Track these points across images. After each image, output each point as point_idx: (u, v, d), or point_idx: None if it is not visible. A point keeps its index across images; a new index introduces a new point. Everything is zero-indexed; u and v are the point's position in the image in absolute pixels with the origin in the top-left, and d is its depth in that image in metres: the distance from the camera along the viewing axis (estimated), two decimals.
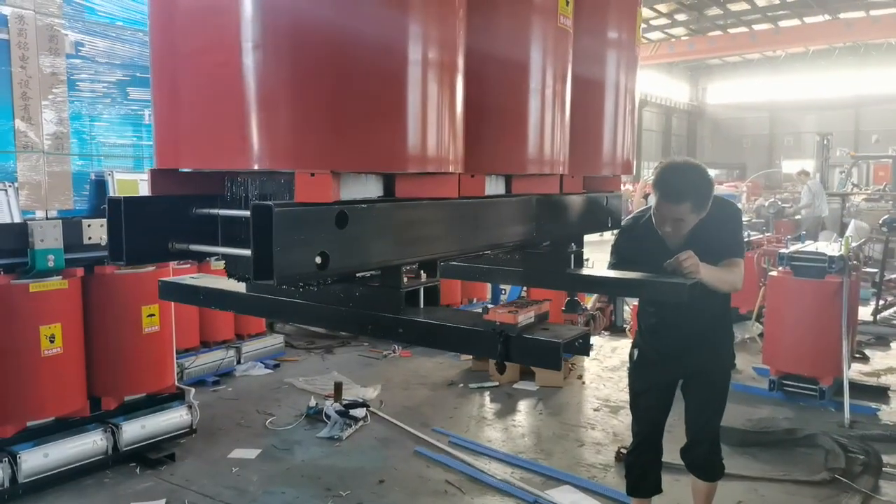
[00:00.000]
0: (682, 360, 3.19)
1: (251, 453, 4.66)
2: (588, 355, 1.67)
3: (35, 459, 4.00)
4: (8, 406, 4.06)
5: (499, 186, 2.11)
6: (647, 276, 2.46)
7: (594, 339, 7.69)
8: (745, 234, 8.29)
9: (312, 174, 1.39)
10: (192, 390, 4.98)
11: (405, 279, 1.73)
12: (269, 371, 6.74)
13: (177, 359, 6.13)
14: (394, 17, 1.47)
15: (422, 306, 1.82)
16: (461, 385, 6.28)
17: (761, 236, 9.34)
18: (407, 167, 1.58)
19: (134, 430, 4.46)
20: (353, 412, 5.19)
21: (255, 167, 1.41)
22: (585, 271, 2.57)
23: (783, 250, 6.03)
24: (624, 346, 7.38)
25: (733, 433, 4.77)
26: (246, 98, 1.39)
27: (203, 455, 4.65)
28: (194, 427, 4.81)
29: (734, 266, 2.93)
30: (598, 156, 2.51)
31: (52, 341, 4.03)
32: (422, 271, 1.82)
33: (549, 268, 2.56)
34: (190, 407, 4.81)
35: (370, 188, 1.65)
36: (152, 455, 4.48)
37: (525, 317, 1.56)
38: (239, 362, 6.68)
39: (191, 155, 1.55)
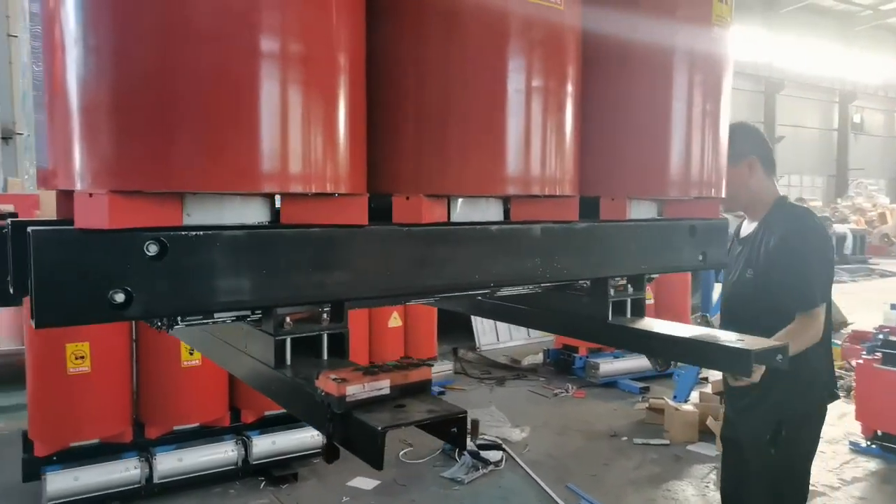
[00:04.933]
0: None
1: (369, 484, 4.54)
2: (464, 448, 1.16)
3: (170, 462, 4.30)
4: (155, 411, 4.45)
5: (489, 212, 1.68)
6: (705, 335, 1.80)
7: None
8: None
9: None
10: None
11: (288, 322, 1.40)
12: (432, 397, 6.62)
13: None
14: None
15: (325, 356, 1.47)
16: (624, 438, 5.54)
17: None
18: (288, 186, 1.28)
19: (265, 444, 4.60)
20: (485, 454, 4.82)
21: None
22: (633, 323, 1.97)
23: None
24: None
25: None
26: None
27: (325, 479, 4.64)
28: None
29: (806, 325, 2.33)
30: (658, 173, 1.92)
31: (191, 353, 4.33)
32: (324, 314, 1.46)
33: (587, 314, 2.01)
34: None
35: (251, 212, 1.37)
36: (278, 472, 4.58)
37: (365, 388, 1.15)
38: None
39: None
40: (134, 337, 4.46)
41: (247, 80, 1.21)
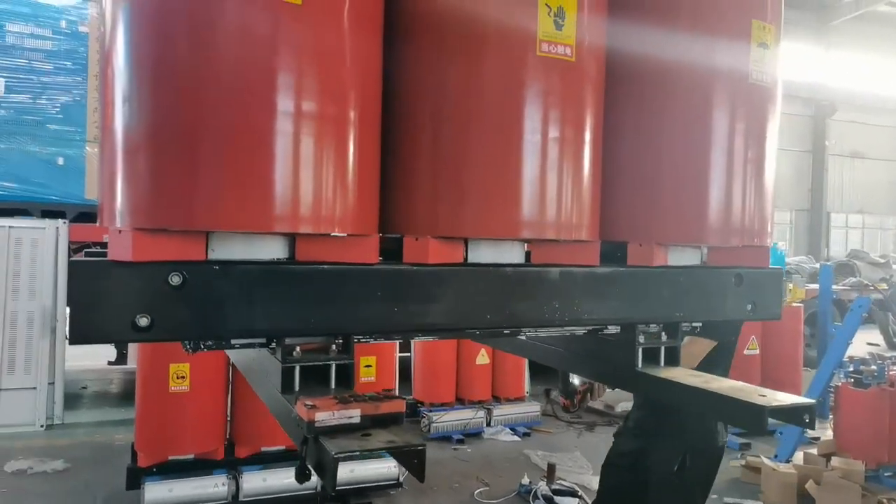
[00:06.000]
0: None
1: None
2: (422, 480, 1.19)
3: (256, 482, 4.54)
4: (245, 432, 4.73)
5: (508, 254, 1.74)
6: (729, 388, 1.73)
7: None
8: None
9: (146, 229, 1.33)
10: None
11: (297, 351, 1.52)
12: (516, 438, 6.56)
13: (427, 412, 6.45)
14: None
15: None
16: (714, 495, 5.21)
17: None
18: (298, 227, 1.41)
19: (343, 472, 4.74)
20: (559, 499, 4.72)
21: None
22: (661, 372, 1.92)
23: None
24: None
25: None
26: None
27: None
28: (401, 480, 4.92)
29: None
30: (693, 219, 1.90)
31: None
32: (333, 346, 1.57)
33: (617, 360, 2.00)
34: None
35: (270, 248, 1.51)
36: (354, 500, 4.70)
37: (335, 415, 1.23)
38: (488, 424, 6.65)
39: None
40: (231, 360, 4.78)
41: (266, 133, 1.36)
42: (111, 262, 1.32)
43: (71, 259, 1.30)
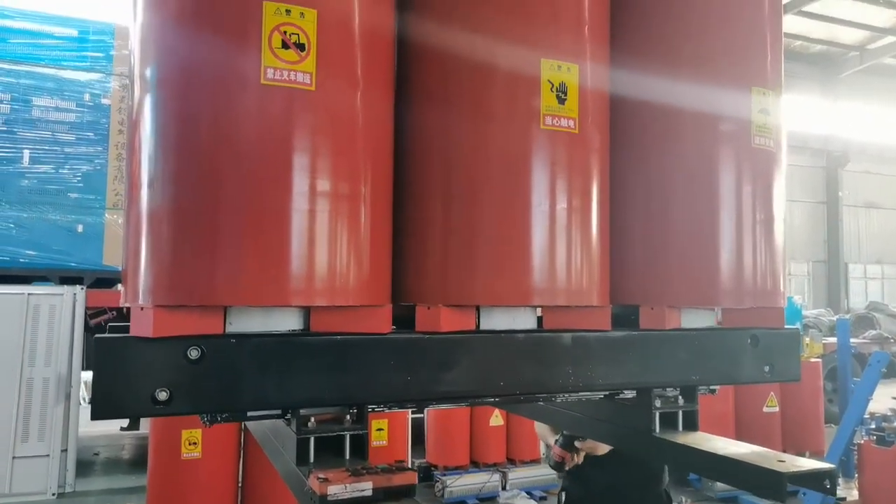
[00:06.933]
0: None
1: None
2: None
3: None
4: (256, 500, 4.68)
5: (520, 320, 1.76)
6: (747, 454, 1.71)
7: None
8: None
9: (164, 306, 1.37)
10: None
11: (312, 422, 1.53)
12: (533, 502, 6.42)
13: (441, 475, 6.34)
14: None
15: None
16: None
17: None
18: (314, 301, 1.45)
19: None
20: None
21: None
22: (678, 437, 1.91)
23: None
24: None
25: None
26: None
27: None
28: None
29: None
30: (703, 282, 1.91)
31: None
32: (347, 416, 1.58)
33: (634, 425, 1.98)
34: None
35: (286, 321, 1.54)
36: None
37: (347, 489, 1.24)
38: (504, 488, 6.52)
39: None
40: (243, 426, 4.76)
41: (283, 212, 1.40)
42: (133, 338, 1.36)
43: (96, 336, 1.33)
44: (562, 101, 1.64)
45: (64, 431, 6.20)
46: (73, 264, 6.17)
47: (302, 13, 1.39)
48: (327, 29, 1.43)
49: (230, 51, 1.38)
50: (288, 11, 1.38)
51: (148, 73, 1.43)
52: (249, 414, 1.54)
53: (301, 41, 1.40)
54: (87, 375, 7.55)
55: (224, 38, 1.38)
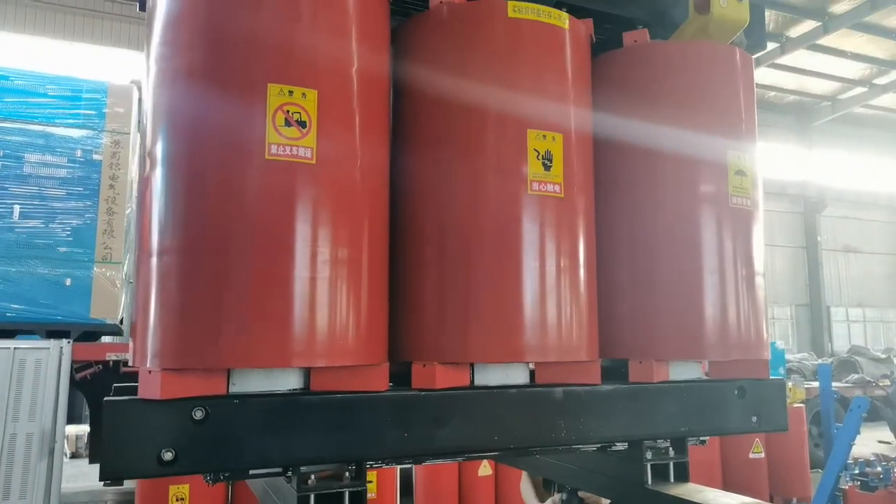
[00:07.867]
0: None
1: None
2: None
3: None
4: None
5: (513, 376, 1.82)
6: (742, 503, 1.77)
7: None
8: None
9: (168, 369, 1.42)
10: None
11: (312, 479, 1.57)
12: None
13: None
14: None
15: None
16: None
17: None
18: (314, 362, 1.51)
19: None
20: None
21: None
22: (670, 489, 1.96)
23: None
24: None
25: None
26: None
27: None
28: None
29: None
30: (689, 336, 1.99)
31: None
32: (346, 472, 1.62)
33: (626, 477, 2.03)
34: None
35: (287, 381, 1.59)
36: None
37: None
38: None
39: None
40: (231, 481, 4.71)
41: (285, 279, 1.48)
42: (141, 400, 1.41)
43: (105, 399, 1.38)
44: (547, 167, 1.75)
45: (46, 488, 6.05)
46: (59, 318, 6.13)
47: (304, 93, 1.50)
48: (327, 107, 1.53)
49: (237, 129, 1.47)
50: (290, 92, 1.48)
51: (158, 149, 1.52)
52: (251, 472, 1.58)
53: (303, 119, 1.49)
54: (71, 430, 7.41)
55: (231, 118, 1.47)
